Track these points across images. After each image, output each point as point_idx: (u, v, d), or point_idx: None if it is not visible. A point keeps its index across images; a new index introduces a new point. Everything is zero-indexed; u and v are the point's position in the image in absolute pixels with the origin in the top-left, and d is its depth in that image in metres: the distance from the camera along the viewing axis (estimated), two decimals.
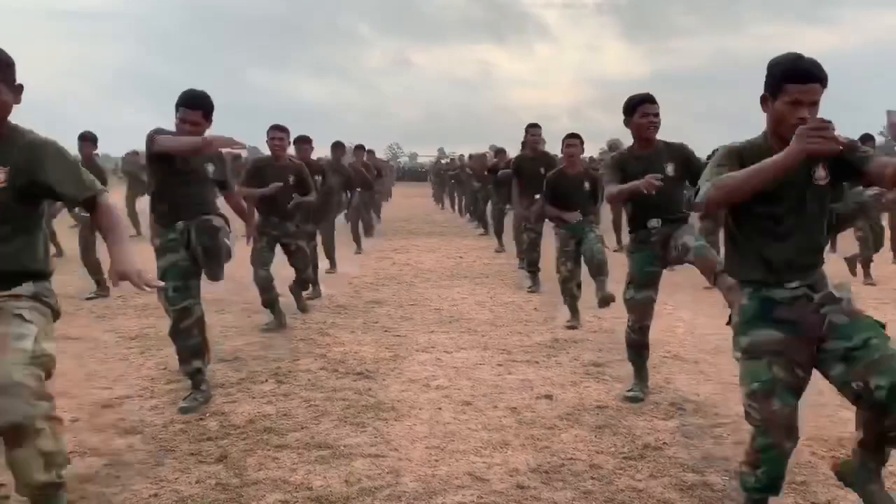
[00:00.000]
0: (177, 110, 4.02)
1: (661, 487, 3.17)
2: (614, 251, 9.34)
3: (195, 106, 4.01)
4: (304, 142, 7.41)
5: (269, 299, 6.05)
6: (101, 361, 5.12)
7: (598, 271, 5.80)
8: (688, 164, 4.15)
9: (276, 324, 6.11)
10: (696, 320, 6.58)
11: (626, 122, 4.17)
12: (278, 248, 6.25)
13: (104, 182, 6.17)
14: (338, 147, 10.28)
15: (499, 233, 11.91)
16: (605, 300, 5.58)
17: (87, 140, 8.01)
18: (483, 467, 3.36)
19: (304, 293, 7.00)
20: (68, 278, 8.51)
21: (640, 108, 4.09)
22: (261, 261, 6.00)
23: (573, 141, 6.50)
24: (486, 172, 12.05)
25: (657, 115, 4.11)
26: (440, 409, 4.15)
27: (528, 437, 3.73)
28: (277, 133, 6.24)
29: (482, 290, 8.19)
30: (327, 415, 4.03)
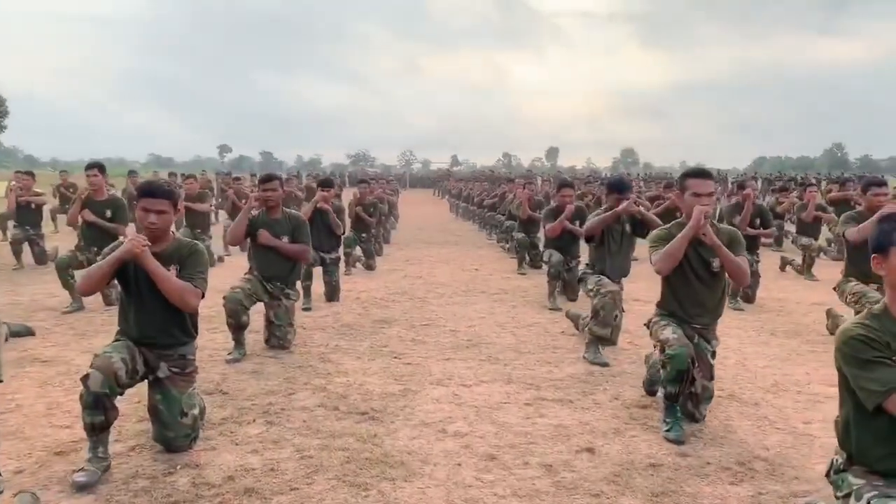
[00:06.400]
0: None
1: None
2: None
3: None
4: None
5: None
6: (67, 391, 4.44)
7: None
8: None
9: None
10: (744, 349, 5.83)
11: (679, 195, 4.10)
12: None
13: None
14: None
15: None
16: None
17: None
18: None
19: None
20: (53, 287, 7.92)
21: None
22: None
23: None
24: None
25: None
26: (459, 464, 3.43)
27: None
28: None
29: (501, 309, 7.45)
30: (322, 471, 3.32)
